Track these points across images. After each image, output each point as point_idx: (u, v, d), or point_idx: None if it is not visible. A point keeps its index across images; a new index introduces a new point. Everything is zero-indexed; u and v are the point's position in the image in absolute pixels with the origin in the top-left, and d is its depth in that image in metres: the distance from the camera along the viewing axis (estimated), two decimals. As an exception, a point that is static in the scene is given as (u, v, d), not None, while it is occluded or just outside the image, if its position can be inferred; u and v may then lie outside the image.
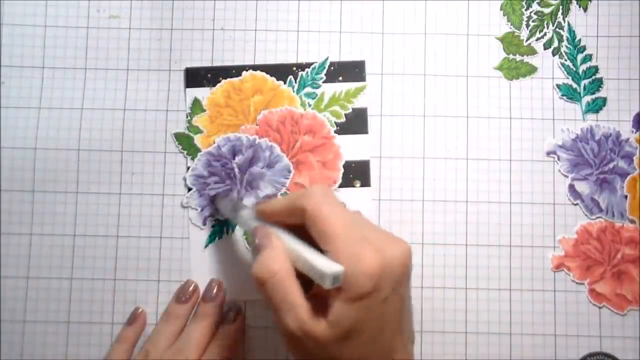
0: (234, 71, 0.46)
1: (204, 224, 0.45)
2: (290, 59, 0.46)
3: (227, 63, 0.46)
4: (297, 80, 0.46)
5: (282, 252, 0.36)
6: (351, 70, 0.46)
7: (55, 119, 0.45)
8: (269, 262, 0.35)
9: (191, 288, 0.44)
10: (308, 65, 0.46)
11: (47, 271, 0.44)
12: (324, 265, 0.33)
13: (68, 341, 0.44)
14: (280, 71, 0.46)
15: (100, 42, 0.46)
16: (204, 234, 0.45)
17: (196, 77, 0.46)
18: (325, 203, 0.35)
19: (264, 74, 0.46)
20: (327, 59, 0.46)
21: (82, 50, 0.46)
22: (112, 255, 0.45)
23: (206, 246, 0.45)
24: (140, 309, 0.44)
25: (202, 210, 0.45)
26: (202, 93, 0.46)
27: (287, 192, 0.45)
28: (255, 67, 0.46)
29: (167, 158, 0.45)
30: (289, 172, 0.45)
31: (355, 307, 0.33)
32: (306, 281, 0.35)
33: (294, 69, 0.46)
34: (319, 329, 0.34)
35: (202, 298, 0.43)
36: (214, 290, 0.43)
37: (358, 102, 0.46)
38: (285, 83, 0.46)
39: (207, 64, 0.46)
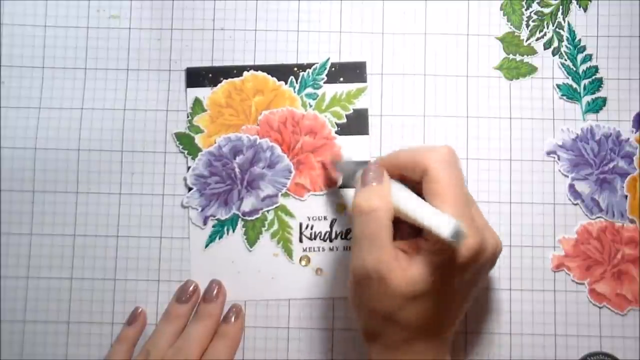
0: (235, 71, 0.46)
1: (204, 224, 0.45)
2: (290, 59, 0.46)
3: (227, 63, 0.46)
4: (298, 81, 0.46)
5: (389, 192, 0.36)
6: (352, 72, 0.46)
7: (55, 119, 0.45)
8: (373, 197, 0.35)
9: (191, 288, 0.44)
10: (309, 65, 0.46)
11: (47, 271, 0.44)
12: (446, 217, 0.33)
13: (68, 341, 0.44)
14: (281, 72, 0.46)
15: (100, 42, 0.46)
16: (204, 234, 0.45)
17: (197, 77, 0.46)
18: (448, 166, 0.35)
19: (265, 74, 0.46)
20: (328, 59, 0.46)
21: (82, 50, 0.46)
22: (112, 255, 0.45)
23: (206, 246, 0.45)
24: (140, 309, 0.44)
25: (202, 210, 0.45)
26: (203, 93, 0.45)
27: (288, 192, 0.45)
28: (256, 68, 0.46)
29: (167, 158, 0.45)
30: (290, 172, 0.45)
31: (438, 273, 0.33)
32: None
33: (295, 69, 0.46)
34: (395, 277, 0.33)
35: (203, 298, 0.43)
36: (215, 291, 0.43)
37: (359, 103, 0.46)
38: (286, 83, 0.46)
39: (207, 64, 0.46)
